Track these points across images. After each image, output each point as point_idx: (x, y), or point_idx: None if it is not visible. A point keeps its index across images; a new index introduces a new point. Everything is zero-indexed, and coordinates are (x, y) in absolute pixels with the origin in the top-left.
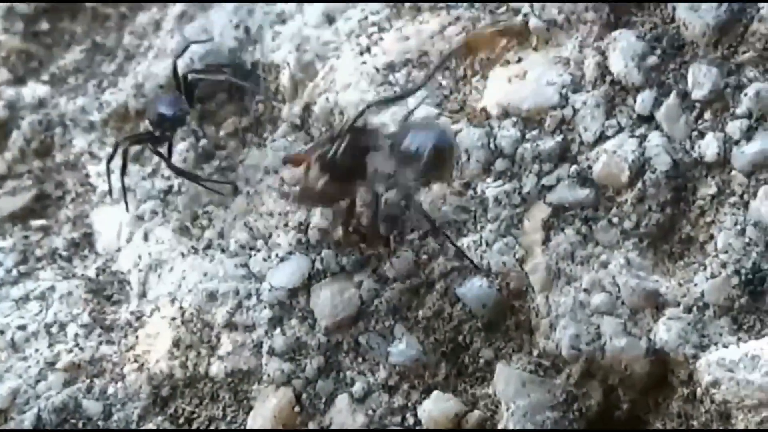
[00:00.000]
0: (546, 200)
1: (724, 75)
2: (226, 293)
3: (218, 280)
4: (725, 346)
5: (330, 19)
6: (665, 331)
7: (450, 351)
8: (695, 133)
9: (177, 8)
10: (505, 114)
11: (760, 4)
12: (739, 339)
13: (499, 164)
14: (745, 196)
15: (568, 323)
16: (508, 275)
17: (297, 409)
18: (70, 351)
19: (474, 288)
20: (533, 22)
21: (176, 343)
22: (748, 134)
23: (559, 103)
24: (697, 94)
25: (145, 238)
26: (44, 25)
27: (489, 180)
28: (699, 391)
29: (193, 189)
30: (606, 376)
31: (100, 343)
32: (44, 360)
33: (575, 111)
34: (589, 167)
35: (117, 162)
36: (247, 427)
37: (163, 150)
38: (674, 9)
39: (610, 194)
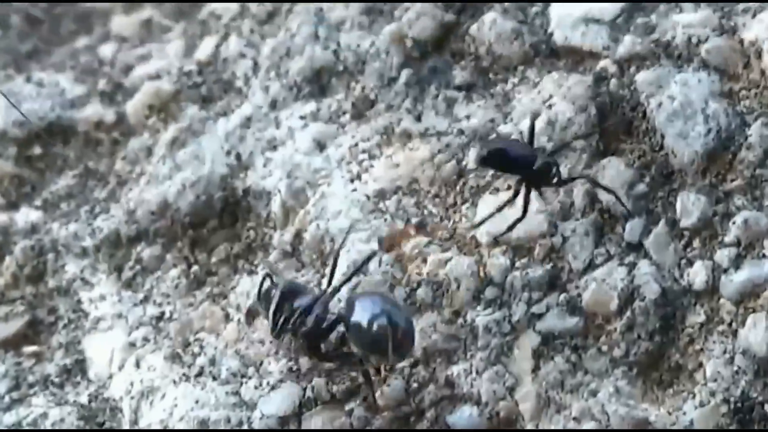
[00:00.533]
0: (536, 328)
1: (712, 203)
2: (217, 421)
3: (210, 408)
4: None
5: (321, 146)
6: None
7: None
8: (684, 261)
9: (169, 134)
10: (495, 242)
11: (748, 131)
12: None
13: (489, 292)
14: (734, 324)
15: None
16: (498, 404)
17: None
18: None
19: (464, 417)
20: None
21: None
22: (737, 262)
23: (548, 231)
24: (686, 222)
25: (137, 364)
26: (37, 150)
27: (479, 308)
28: None
29: (185, 316)
30: None
31: None
32: None
33: (564, 239)
34: (579, 295)
35: None
36: None
37: None
38: (663, 137)
39: (599, 322)
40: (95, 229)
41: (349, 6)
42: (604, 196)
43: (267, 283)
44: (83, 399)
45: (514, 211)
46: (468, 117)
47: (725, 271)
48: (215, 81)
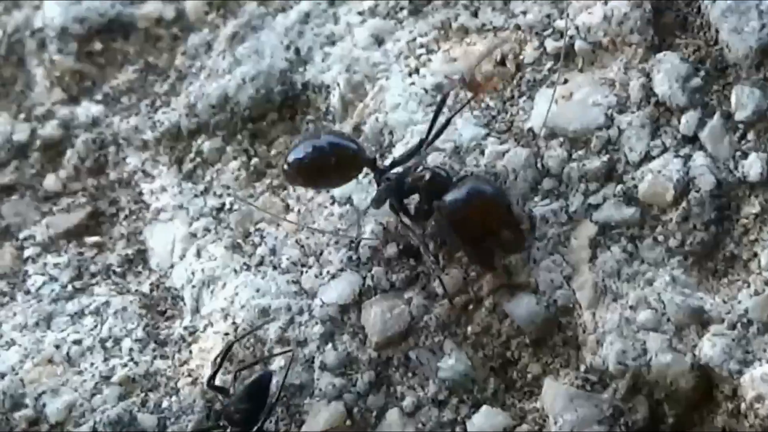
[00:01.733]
0: (593, 219)
1: (766, 96)
2: (278, 309)
3: (270, 296)
4: None
5: (379, 41)
6: (710, 347)
7: (498, 366)
8: (738, 153)
9: (228, 29)
10: (552, 134)
11: None
12: None
13: (546, 183)
14: None
15: (614, 339)
16: (555, 292)
17: (348, 423)
18: (125, 365)
19: (522, 305)
20: (579, 44)
21: (229, 358)
22: None
23: (604, 124)
24: (741, 115)
25: (198, 254)
26: (97, 46)
27: (536, 199)
28: (743, 406)
29: (246, 207)
30: (652, 391)
31: (155, 357)
32: (99, 374)
33: (620, 131)
34: (635, 186)
35: None
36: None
37: None
38: (717, 32)
39: (655, 213)
40: (156, 122)
41: None
42: (660, 89)
43: None
44: (145, 288)
45: (571, 104)
46: (524, 12)
47: None
48: None
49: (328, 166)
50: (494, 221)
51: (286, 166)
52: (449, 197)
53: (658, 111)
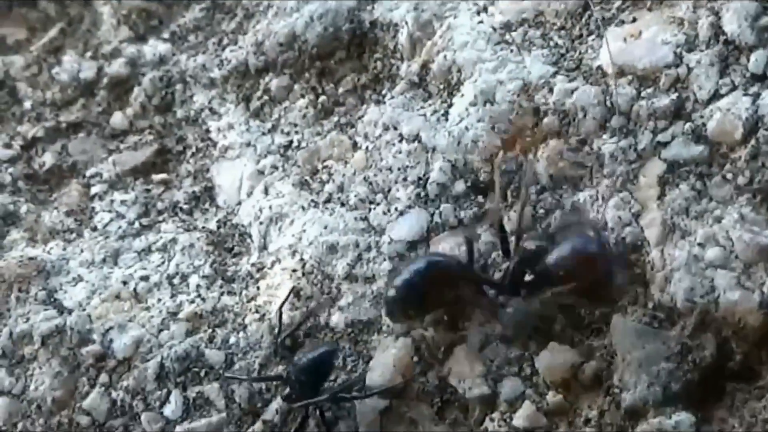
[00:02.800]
0: (661, 156)
1: None
2: (346, 246)
3: (338, 233)
4: None
5: None
6: None
7: (567, 304)
8: None
9: None
10: (621, 72)
11: None
12: None
13: (615, 121)
14: None
15: (682, 276)
16: (623, 230)
17: (416, 359)
18: (192, 301)
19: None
20: None
21: (297, 294)
22: None
23: (673, 62)
24: None
25: (266, 192)
26: None
27: (605, 136)
28: None
29: (313, 144)
30: (719, 329)
31: (222, 293)
32: (167, 310)
33: (689, 69)
34: (704, 124)
35: None
36: (367, 377)
37: None
38: None
39: (723, 151)
40: (223, 60)
41: None
42: (729, 27)
43: None
44: (212, 225)
45: (640, 42)
46: None
47: None
48: None
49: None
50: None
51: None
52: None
53: (726, 49)
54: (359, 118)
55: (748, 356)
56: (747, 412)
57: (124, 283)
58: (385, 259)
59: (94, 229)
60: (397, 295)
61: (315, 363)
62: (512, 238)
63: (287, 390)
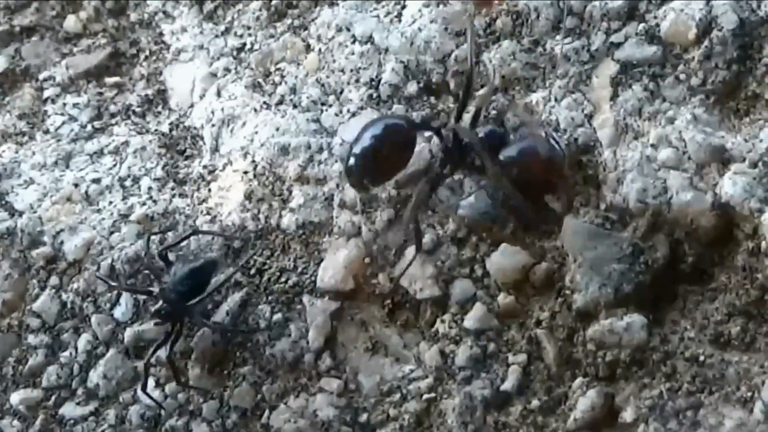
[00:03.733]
0: (614, 57)
1: None
2: (297, 147)
3: (290, 134)
4: None
5: None
6: (731, 186)
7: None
8: None
9: None
10: None
11: None
12: None
13: (569, 22)
14: None
15: (635, 177)
16: (576, 130)
17: (367, 260)
18: (144, 204)
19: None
20: None
21: (248, 196)
22: None
23: None
24: None
25: (218, 94)
26: None
27: (558, 37)
28: (764, 244)
29: (266, 47)
30: (672, 230)
31: (173, 196)
32: (118, 212)
33: None
34: (657, 25)
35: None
36: (318, 278)
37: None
38: None
39: (677, 52)
40: None
41: None
42: None
43: None
44: (164, 127)
45: None
46: None
47: None
48: None
49: (385, 157)
50: (552, 178)
51: (348, 175)
52: (506, 154)
53: None
54: (312, 20)
55: (700, 258)
56: (699, 314)
57: (76, 185)
58: (336, 161)
59: (47, 132)
60: (357, 163)
61: (194, 272)
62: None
63: (159, 304)
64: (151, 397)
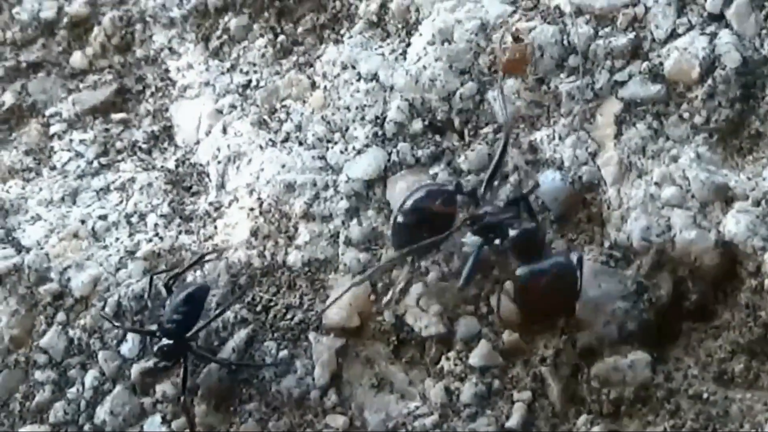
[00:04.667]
0: (618, 95)
1: None
2: (303, 184)
3: (296, 171)
4: None
5: None
6: (734, 224)
7: None
8: (764, 30)
9: None
10: (579, 11)
11: None
12: None
13: (573, 60)
14: None
15: (639, 215)
16: (580, 168)
17: (372, 297)
18: (150, 240)
19: (547, 181)
20: None
21: (254, 233)
22: None
23: (631, 1)
24: None
25: (224, 131)
26: None
27: (562, 75)
28: (767, 282)
29: (272, 84)
30: (675, 268)
31: (180, 232)
32: (125, 249)
33: (647, 9)
34: (661, 64)
35: None
36: (323, 315)
37: None
38: None
39: (680, 90)
40: (182, 0)
41: None
42: None
43: None
44: (170, 164)
45: None
46: None
47: None
48: None
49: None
50: (562, 306)
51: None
52: (527, 271)
53: None
54: (318, 57)
55: (703, 296)
56: (702, 352)
57: (83, 221)
58: (342, 198)
59: (53, 168)
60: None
61: (186, 300)
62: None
63: (161, 342)
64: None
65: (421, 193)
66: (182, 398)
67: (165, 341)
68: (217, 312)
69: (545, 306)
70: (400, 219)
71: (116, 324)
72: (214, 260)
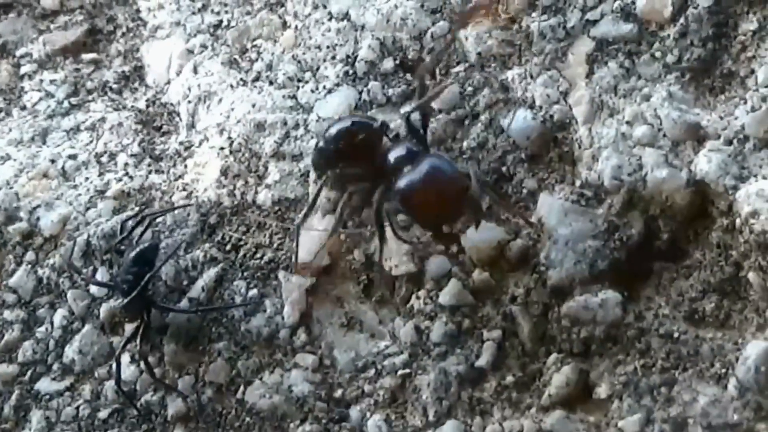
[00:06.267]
0: (590, 34)
1: None
2: (274, 124)
3: (266, 111)
4: (765, 178)
5: None
6: (706, 163)
7: (494, 181)
8: None
9: None
10: None
11: None
12: None
13: None
14: None
15: (610, 154)
16: (551, 107)
17: (343, 237)
18: (120, 180)
19: (518, 120)
20: None
21: (224, 172)
22: None
23: None
24: None
25: (195, 71)
26: None
27: (534, 15)
28: (738, 221)
29: (243, 23)
30: (647, 207)
31: (150, 172)
32: (94, 188)
33: None
34: (633, 2)
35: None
36: (294, 254)
37: None
38: None
39: (652, 29)
40: None
41: None
42: None
43: None
44: (141, 104)
45: None
46: None
47: None
48: None
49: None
50: (453, 206)
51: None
52: (403, 182)
53: None
54: None
55: (675, 235)
56: (674, 291)
57: (52, 161)
58: (312, 137)
59: (23, 108)
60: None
61: (137, 259)
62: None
63: (119, 300)
64: (123, 393)
65: (346, 123)
66: (139, 350)
67: (123, 300)
68: (161, 263)
69: (431, 207)
70: (321, 144)
71: (81, 276)
72: (183, 199)
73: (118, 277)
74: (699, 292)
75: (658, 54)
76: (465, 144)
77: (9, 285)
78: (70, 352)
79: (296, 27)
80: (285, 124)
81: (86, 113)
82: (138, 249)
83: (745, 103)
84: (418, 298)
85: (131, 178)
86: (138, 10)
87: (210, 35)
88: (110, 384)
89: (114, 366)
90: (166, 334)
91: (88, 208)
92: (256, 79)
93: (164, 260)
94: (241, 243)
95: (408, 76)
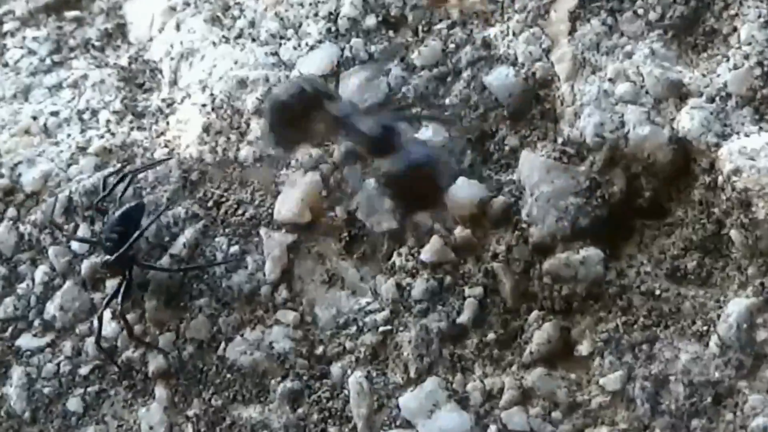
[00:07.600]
0: None
1: None
2: (256, 80)
3: (249, 67)
4: (747, 135)
5: None
6: (688, 120)
7: (475, 138)
8: None
9: None
10: None
11: None
12: (760, 128)
13: None
14: None
15: (592, 111)
16: (534, 65)
17: (324, 193)
18: (102, 136)
19: (501, 77)
20: None
21: (206, 129)
22: None
23: None
24: None
25: (177, 28)
26: None
27: None
28: (720, 179)
29: None
30: (629, 164)
31: (132, 128)
32: (76, 145)
33: None
34: None
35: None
36: (275, 210)
37: None
38: None
39: None
40: None
41: None
42: None
43: None
44: (123, 61)
45: None
46: None
47: None
48: None
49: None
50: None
51: None
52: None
53: None
54: None
55: (657, 192)
56: (656, 249)
57: (34, 118)
58: None
59: (5, 65)
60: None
61: (123, 217)
62: None
63: (103, 257)
64: (103, 350)
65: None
66: (120, 308)
67: (107, 257)
68: (148, 223)
69: (414, 192)
70: (268, 104)
71: (63, 232)
72: (165, 155)
73: (102, 234)
74: (681, 250)
75: (640, 11)
76: (447, 101)
77: None
78: (51, 308)
79: None
80: (267, 80)
81: (68, 70)
82: (124, 208)
83: (728, 60)
84: (399, 255)
85: (113, 134)
86: None
87: None
88: (91, 340)
89: (96, 323)
90: (147, 290)
91: (69, 165)
92: (239, 36)
93: (151, 221)
94: (223, 199)
95: (390, 32)
